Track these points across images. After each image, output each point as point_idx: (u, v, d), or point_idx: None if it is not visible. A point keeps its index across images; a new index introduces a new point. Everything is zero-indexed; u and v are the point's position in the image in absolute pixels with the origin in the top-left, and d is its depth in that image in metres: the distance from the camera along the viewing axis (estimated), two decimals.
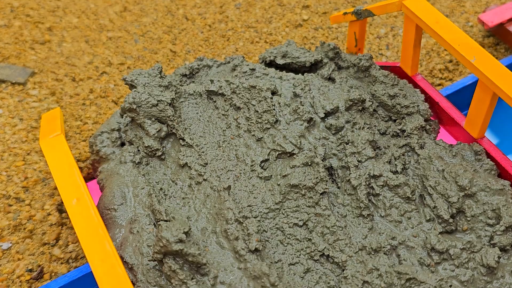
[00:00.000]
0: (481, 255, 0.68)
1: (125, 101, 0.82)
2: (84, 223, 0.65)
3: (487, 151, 0.81)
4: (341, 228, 0.74)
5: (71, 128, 1.04)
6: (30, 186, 0.94)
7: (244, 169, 0.80)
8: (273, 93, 0.87)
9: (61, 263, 0.85)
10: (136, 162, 0.82)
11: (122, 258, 0.72)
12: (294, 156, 0.79)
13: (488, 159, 0.80)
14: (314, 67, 0.98)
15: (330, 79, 0.94)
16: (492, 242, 0.70)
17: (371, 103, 0.87)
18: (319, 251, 0.72)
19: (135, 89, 0.83)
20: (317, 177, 0.76)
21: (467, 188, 0.74)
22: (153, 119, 0.83)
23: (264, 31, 1.22)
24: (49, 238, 0.87)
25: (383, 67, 0.96)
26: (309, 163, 0.78)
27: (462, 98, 1.01)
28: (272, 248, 0.73)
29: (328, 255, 0.72)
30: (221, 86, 0.88)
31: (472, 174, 0.76)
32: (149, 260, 0.71)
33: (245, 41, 1.20)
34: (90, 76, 1.14)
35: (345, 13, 0.97)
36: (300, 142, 0.81)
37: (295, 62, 0.97)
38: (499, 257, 0.68)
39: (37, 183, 0.95)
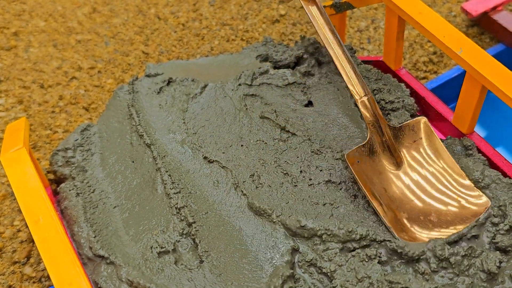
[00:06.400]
0: (481, 260, 0.64)
1: None
2: (49, 244, 0.60)
3: (477, 146, 0.78)
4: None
5: (41, 138, 0.99)
6: None
7: None
8: None
9: (33, 282, 0.81)
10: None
11: (96, 283, 0.68)
12: None
13: (479, 154, 0.77)
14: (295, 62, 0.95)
15: (310, 75, 0.91)
16: (494, 241, 0.66)
17: None
18: (306, 261, 0.68)
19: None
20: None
21: (480, 180, 0.71)
22: None
23: (240, 28, 1.17)
24: (19, 256, 0.83)
25: (365, 62, 0.92)
26: None
27: (448, 91, 0.98)
28: None
29: (316, 264, 0.67)
30: None
31: (483, 166, 0.72)
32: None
33: (221, 39, 1.15)
34: (59, 82, 1.08)
35: (323, 7, 0.93)
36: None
37: (276, 67, 0.94)
38: (500, 262, 0.64)
39: (6, 198, 0.90)
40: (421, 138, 0.75)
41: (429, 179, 0.73)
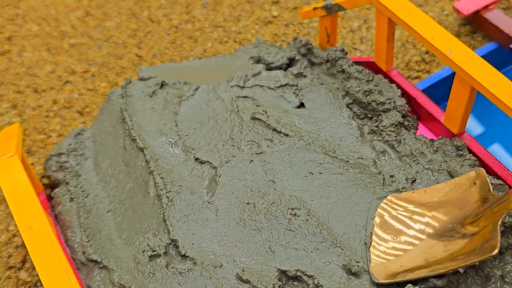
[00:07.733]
0: None
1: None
2: (41, 251, 0.61)
3: (468, 147, 0.78)
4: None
5: (35, 143, 0.99)
6: None
7: None
8: None
9: (29, 287, 0.81)
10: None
11: None
12: None
13: (470, 154, 0.77)
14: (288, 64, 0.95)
15: (302, 76, 0.91)
16: None
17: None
18: None
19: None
20: None
21: None
22: None
23: (233, 30, 1.17)
24: (15, 261, 0.83)
25: (357, 63, 0.92)
26: None
27: (441, 90, 0.98)
28: None
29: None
30: None
31: (470, 169, 0.72)
32: None
33: (214, 41, 1.15)
34: (53, 86, 1.09)
35: (315, 8, 0.94)
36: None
37: (269, 69, 0.94)
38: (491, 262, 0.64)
39: (1, 203, 0.90)
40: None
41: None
